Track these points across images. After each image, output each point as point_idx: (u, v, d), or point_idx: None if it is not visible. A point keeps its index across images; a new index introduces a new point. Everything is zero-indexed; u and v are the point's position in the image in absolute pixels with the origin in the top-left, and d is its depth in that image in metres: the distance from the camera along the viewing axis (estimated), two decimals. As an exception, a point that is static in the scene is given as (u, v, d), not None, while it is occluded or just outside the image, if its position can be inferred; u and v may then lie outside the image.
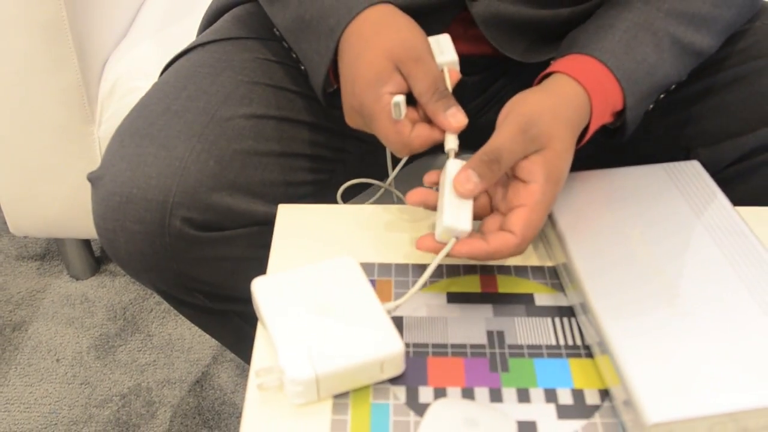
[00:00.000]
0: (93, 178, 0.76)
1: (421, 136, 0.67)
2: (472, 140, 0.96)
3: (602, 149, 0.82)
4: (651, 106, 0.75)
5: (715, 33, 0.74)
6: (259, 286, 0.63)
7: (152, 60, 1.19)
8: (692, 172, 0.72)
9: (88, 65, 1.17)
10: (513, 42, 0.80)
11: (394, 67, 0.66)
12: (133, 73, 1.19)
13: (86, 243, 1.46)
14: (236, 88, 0.78)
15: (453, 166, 0.66)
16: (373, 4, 0.69)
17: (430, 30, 0.81)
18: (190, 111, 0.76)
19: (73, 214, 1.30)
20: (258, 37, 0.84)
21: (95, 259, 1.49)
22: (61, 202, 1.29)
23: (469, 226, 0.63)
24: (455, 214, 0.63)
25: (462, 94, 0.89)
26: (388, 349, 0.58)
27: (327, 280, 0.63)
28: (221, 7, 0.92)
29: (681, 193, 0.70)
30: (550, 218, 0.69)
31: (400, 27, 0.69)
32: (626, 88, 0.70)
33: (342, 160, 0.85)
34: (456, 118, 0.66)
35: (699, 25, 0.73)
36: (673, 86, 0.76)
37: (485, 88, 0.90)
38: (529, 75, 0.89)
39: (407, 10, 0.72)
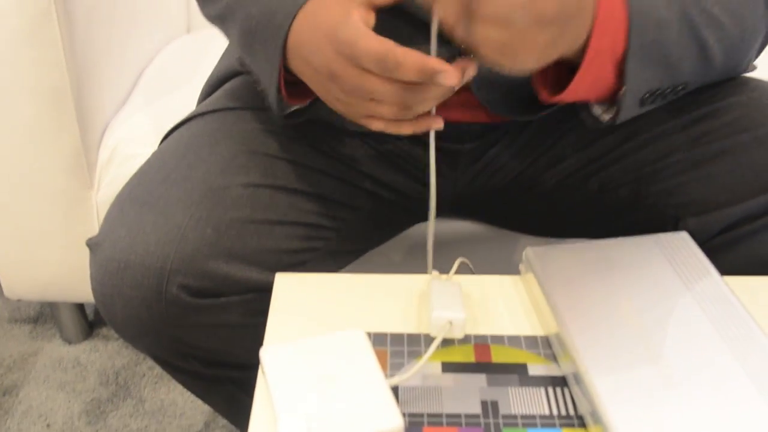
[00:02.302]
0: (92, 244, 0.77)
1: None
2: (467, 206, 0.97)
3: (595, 213, 0.82)
4: (647, 95, 0.72)
5: (722, 41, 0.73)
6: (267, 355, 0.64)
7: (151, 128, 1.21)
8: (681, 244, 0.74)
9: (88, 131, 1.18)
10: (506, 102, 0.81)
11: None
12: (132, 140, 1.20)
13: (80, 307, 1.46)
14: (234, 157, 0.80)
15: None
16: None
17: None
18: (189, 180, 0.77)
19: (68, 277, 1.30)
20: (255, 107, 0.86)
21: (88, 323, 1.49)
22: (57, 266, 1.29)
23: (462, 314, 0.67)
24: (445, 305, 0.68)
25: (457, 161, 0.91)
26: (386, 424, 0.58)
27: (334, 352, 0.63)
28: (222, 77, 0.94)
29: (671, 264, 0.71)
30: (543, 288, 0.70)
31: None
32: (634, 21, 0.67)
33: (337, 228, 0.86)
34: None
35: (711, 22, 0.71)
36: (681, 88, 0.74)
37: (480, 155, 0.91)
38: (525, 138, 0.90)
39: None
